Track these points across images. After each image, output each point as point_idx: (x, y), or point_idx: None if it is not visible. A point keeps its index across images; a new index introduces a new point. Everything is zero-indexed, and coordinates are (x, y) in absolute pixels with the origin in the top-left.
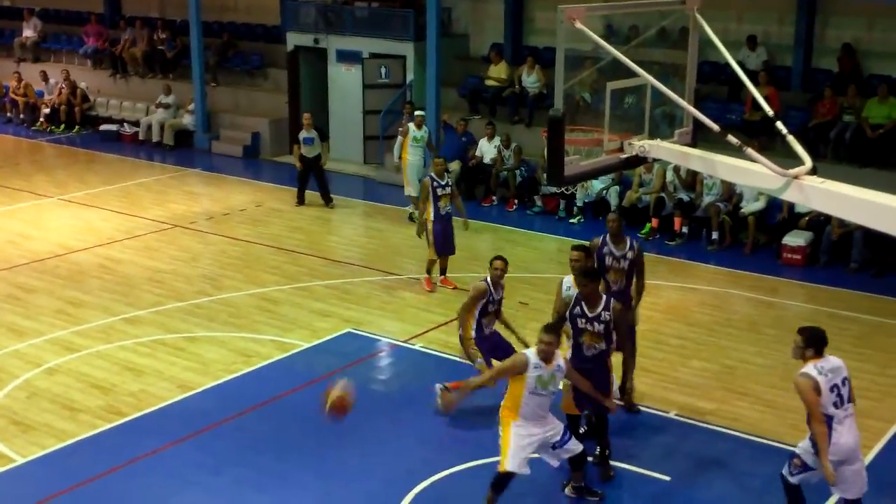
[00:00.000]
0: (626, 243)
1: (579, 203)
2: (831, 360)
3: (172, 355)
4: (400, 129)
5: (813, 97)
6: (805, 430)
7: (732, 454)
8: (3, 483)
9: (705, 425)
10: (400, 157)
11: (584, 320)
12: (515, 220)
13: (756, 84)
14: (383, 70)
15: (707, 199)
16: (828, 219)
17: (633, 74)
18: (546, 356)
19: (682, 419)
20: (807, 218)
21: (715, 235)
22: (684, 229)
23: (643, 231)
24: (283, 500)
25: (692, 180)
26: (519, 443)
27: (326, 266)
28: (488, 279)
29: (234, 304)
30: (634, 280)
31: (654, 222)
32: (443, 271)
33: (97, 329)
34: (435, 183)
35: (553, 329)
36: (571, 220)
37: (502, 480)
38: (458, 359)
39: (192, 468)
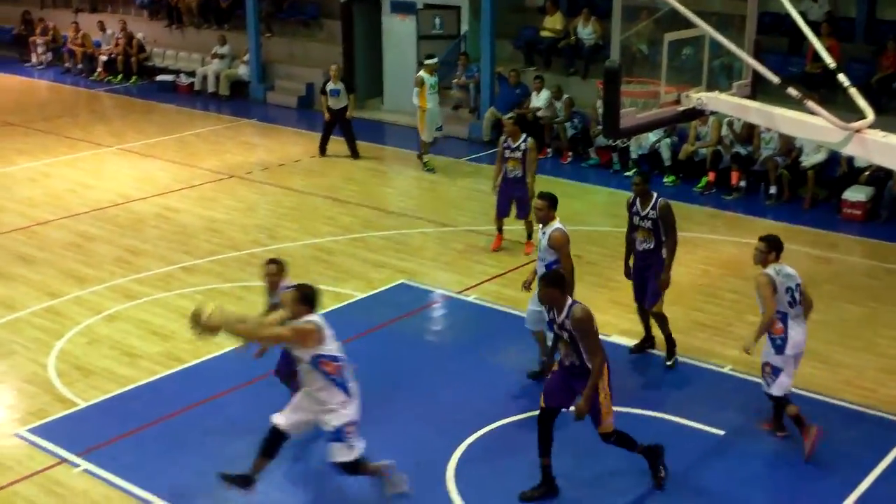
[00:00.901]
0: (650, 202)
1: (633, 156)
2: (786, 268)
3: (230, 303)
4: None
5: (876, 49)
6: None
7: None
8: (65, 425)
9: (760, 380)
10: (419, 107)
11: (556, 326)
12: (570, 172)
13: (818, 35)
14: (437, 21)
15: (765, 153)
16: (889, 173)
17: (692, 25)
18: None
19: (736, 374)
20: (867, 173)
21: (773, 190)
22: (742, 183)
23: (699, 185)
24: None
25: (747, 134)
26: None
27: (381, 217)
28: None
29: (289, 254)
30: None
31: (711, 176)
32: (499, 229)
33: (156, 277)
34: (505, 144)
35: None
36: (626, 173)
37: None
38: (496, 305)
39: (249, 415)
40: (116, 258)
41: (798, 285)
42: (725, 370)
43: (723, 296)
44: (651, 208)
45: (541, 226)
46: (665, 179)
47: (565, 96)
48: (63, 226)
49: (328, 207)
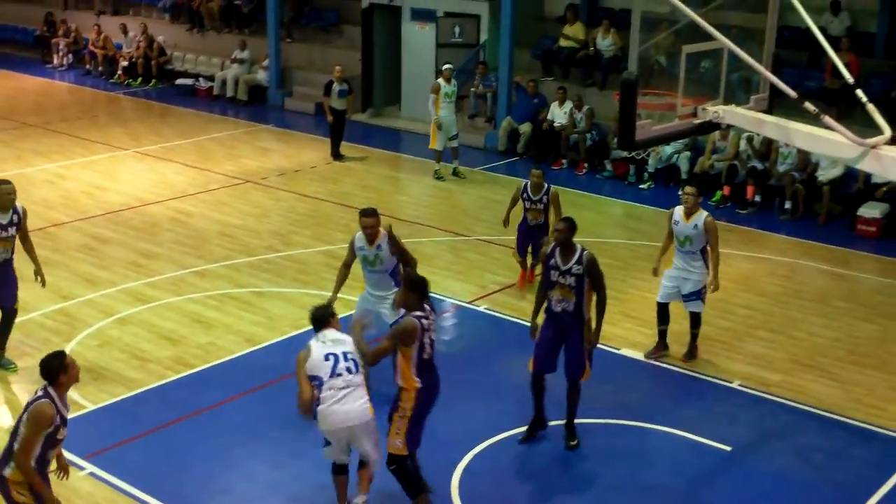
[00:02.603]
0: (573, 255)
1: (651, 169)
2: None
3: (241, 309)
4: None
5: None
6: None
7: (796, 427)
8: (73, 428)
9: (769, 396)
10: (434, 115)
11: None
12: (585, 184)
13: (837, 50)
14: (457, 29)
15: (781, 168)
16: None
17: (710, 38)
18: None
19: (745, 389)
20: (884, 188)
21: (788, 205)
22: (757, 198)
23: (714, 199)
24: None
25: (766, 150)
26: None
27: (394, 225)
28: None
29: (302, 260)
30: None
31: (726, 190)
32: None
33: (168, 281)
34: (524, 195)
35: None
36: (641, 186)
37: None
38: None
39: (257, 421)
40: (130, 261)
41: None
42: (734, 385)
43: (734, 311)
44: (575, 262)
45: (366, 242)
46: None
47: (587, 107)
48: (77, 228)
49: (342, 214)
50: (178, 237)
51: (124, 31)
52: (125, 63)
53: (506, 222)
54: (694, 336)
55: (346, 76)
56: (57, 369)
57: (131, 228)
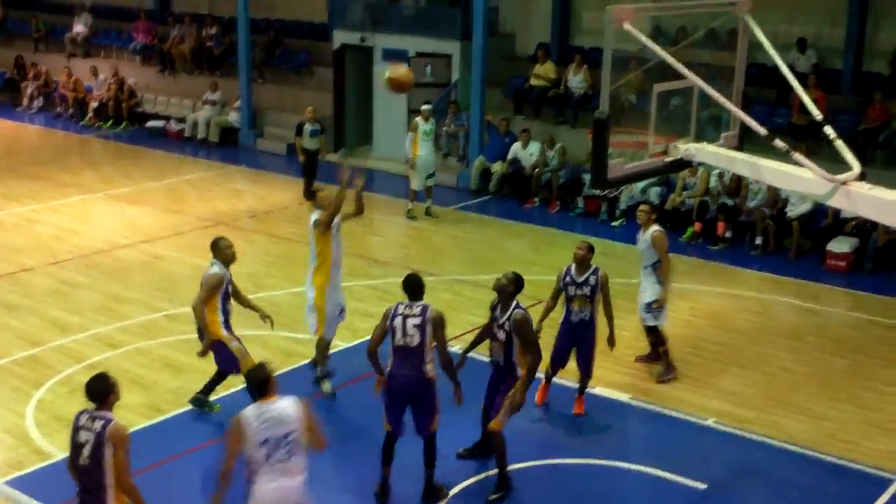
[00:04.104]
0: (508, 309)
1: (622, 206)
2: None
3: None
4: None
5: (863, 101)
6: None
7: (770, 463)
8: (43, 478)
9: (743, 433)
10: (412, 154)
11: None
12: (557, 221)
13: (805, 87)
14: (428, 69)
15: (752, 204)
16: (874, 225)
17: (680, 76)
18: None
19: (719, 426)
20: (853, 223)
21: (758, 241)
22: (727, 234)
23: (685, 235)
24: (322, 498)
25: (735, 187)
26: None
27: (367, 266)
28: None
29: (275, 302)
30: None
31: (697, 226)
32: (547, 378)
33: (139, 325)
34: (568, 278)
35: None
36: (613, 223)
37: None
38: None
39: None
40: (100, 306)
41: None
42: (708, 423)
43: (706, 347)
44: (507, 318)
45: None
46: None
47: (558, 145)
48: (48, 273)
49: None
50: (149, 280)
51: (95, 73)
52: (95, 105)
53: (540, 328)
54: (651, 344)
55: (318, 117)
56: (107, 390)
57: (102, 272)
